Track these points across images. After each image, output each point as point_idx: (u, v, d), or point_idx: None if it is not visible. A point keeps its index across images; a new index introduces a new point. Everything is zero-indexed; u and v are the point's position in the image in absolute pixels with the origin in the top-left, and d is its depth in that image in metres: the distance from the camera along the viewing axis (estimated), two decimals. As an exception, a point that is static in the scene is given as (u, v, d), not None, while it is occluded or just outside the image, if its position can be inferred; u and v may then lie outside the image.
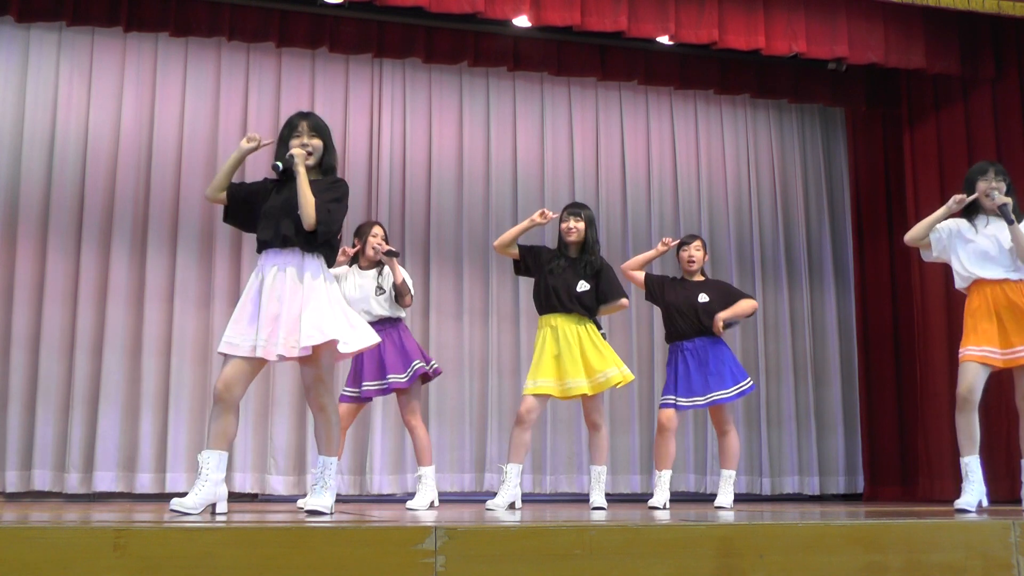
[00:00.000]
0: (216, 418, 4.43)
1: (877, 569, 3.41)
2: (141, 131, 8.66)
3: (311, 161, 4.61)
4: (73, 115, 8.53)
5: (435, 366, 6.47)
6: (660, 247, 6.89)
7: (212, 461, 4.42)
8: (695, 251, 6.84)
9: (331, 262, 4.69)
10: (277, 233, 4.52)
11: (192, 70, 8.85)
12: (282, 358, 4.46)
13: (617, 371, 6.15)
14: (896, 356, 9.80)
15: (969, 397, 5.41)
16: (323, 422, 4.61)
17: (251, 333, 4.43)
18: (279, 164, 4.56)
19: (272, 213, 4.57)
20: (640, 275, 6.93)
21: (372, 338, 4.64)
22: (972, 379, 5.43)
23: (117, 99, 8.64)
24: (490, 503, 5.93)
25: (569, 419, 9.08)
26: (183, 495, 4.39)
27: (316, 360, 4.50)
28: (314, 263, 4.56)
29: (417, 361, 6.32)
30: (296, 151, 4.55)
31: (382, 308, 6.40)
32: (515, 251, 6.37)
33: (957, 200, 5.61)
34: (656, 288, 6.93)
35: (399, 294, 6.37)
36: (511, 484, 5.98)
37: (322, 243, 4.56)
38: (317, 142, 4.65)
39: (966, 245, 5.59)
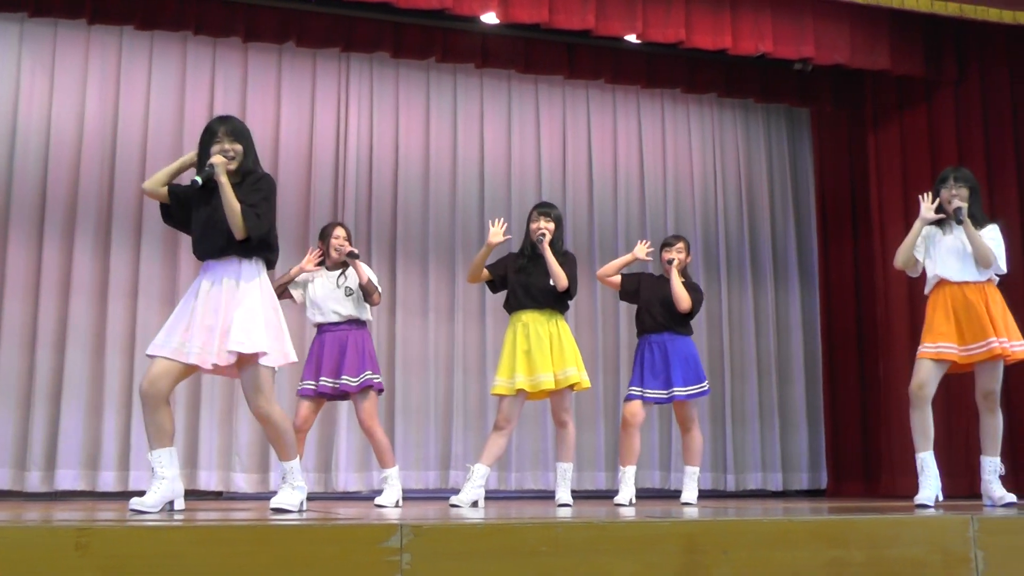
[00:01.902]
0: (149, 417, 4.41)
1: (840, 564, 3.43)
2: (105, 125, 8.59)
3: (232, 166, 4.53)
4: (35, 108, 8.44)
5: (380, 381, 6.44)
6: (640, 255, 6.85)
7: (164, 458, 4.40)
8: (677, 253, 6.84)
9: (272, 262, 4.64)
10: (212, 245, 4.49)
11: (157, 64, 8.79)
12: (216, 367, 4.44)
13: (576, 371, 6.17)
14: (860, 354, 9.88)
15: (920, 392, 5.50)
16: (271, 431, 4.60)
17: (182, 338, 4.41)
18: (198, 180, 4.48)
19: (203, 224, 4.53)
20: (617, 279, 6.93)
21: (292, 356, 4.59)
22: (924, 375, 5.51)
23: (80, 92, 8.56)
24: (454, 499, 5.93)
25: (535, 416, 9.09)
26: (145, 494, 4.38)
27: (253, 367, 4.46)
28: (251, 269, 4.51)
29: (368, 372, 6.31)
30: (216, 159, 4.48)
31: (350, 309, 6.39)
32: (486, 274, 6.39)
33: (927, 208, 5.68)
34: (632, 286, 6.94)
35: (366, 293, 6.38)
36: (476, 484, 5.98)
37: (259, 247, 4.50)
38: (238, 147, 4.56)
39: (936, 245, 5.67)
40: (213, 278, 4.48)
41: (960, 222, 5.57)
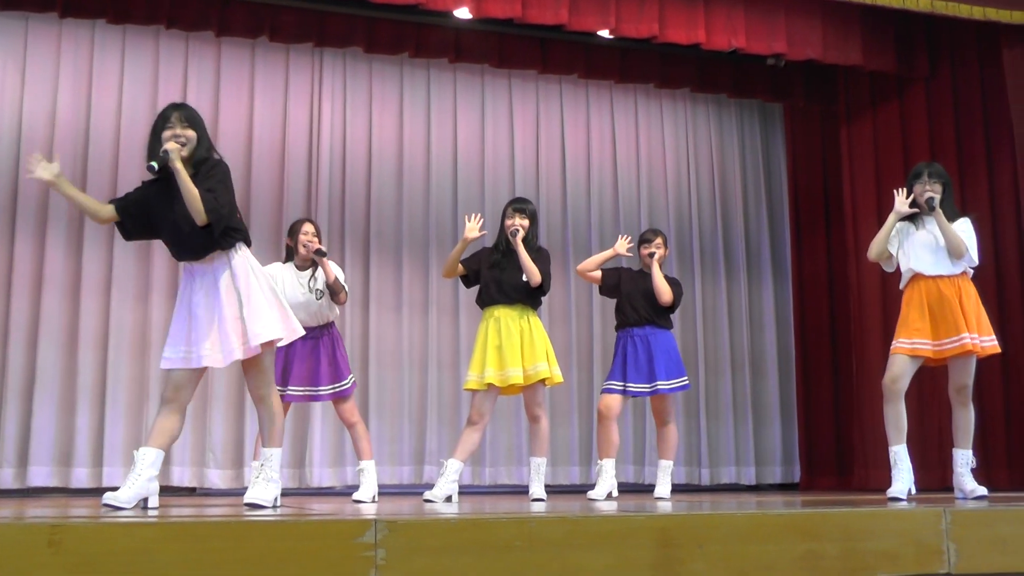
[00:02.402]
0: (163, 417, 4.40)
1: (814, 557, 3.45)
2: (78, 120, 8.54)
3: (184, 152, 4.46)
4: (6, 103, 8.38)
5: (354, 381, 6.44)
6: (621, 250, 6.84)
7: (148, 458, 4.36)
8: (656, 248, 6.85)
9: (249, 241, 4.62)
10: (192, 247, 4.45)
11: (130, 58, 8.74)
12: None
13: (547, 366, 6.18)
14: (833, 348, 9.94)
15: (893, 387, 5.54)
16: (265, 412, 4.61)
17: (187, 347, 4.40)
18: (154, 164, 4.41)
19: (172, 228, 4.47)
20: (597, 274, 6.92)
21: (300, 330, 4.64)
22: (898, 370, 5.55)
23: (52, 87, 8.51)
24: (428, 494, 5.93)
25: (509, 411, 9.09)
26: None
27: (258, 354, 4.49)
28: (239, 260, 4.49)
29: (344, 381, 6.29)
30: (170, 146, 4.41)
31: (321, 314, 6.33)
32: (460, 269, 6.38)
33: (901, 202, 5.71)
34: (613, 281, 6.93)
35: (333, 292, 6.29)
36: (450, 478, 5.98)
37: (224, 232, 4.44)
38: (191, 133, 4.49)
39: (909, 239, 5.71)
40: (204, 281, 4.45)
41: (932, 209, 5.60)
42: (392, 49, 9.02)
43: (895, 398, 5.55)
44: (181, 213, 4.41)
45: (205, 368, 4.47)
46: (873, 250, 5.81)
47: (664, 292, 6.70)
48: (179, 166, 4.38)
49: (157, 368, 4.49)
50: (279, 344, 4.58)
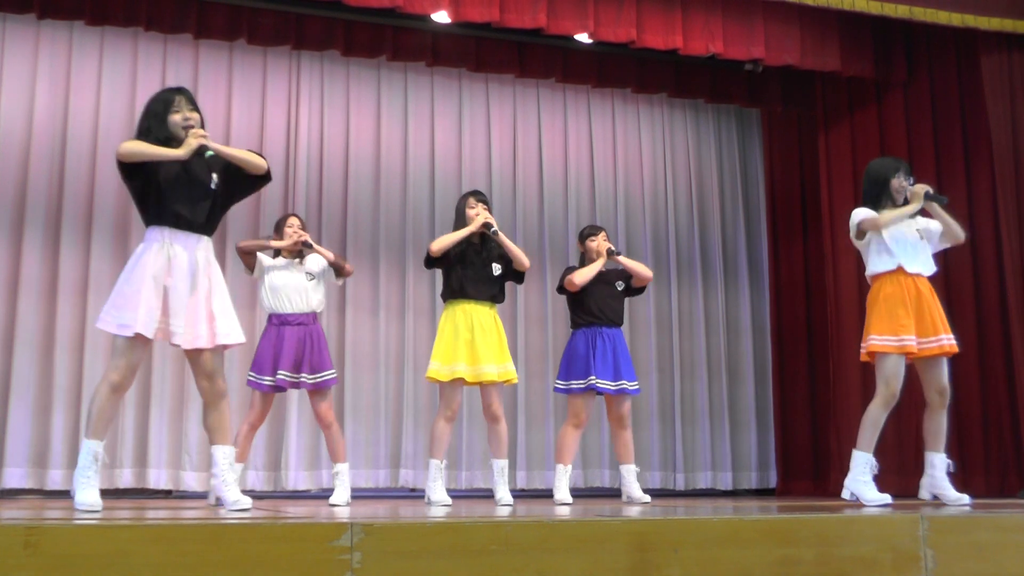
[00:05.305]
0: (111, 407, 4.34)
1: (790, 562, 3.46)
2: (55, 121, 8.49)
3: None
4: (-17, 104, 8.34)
5: (335, 375, 6.53)
6: (603, 251, 6.85)
7: (101, 453, 4.37)
8: (603, 241, 6.88)
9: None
10: (198, 215, 4.43)
11: (108, 60, 8.70)
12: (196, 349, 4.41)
13: (511, 367, 6.17)
14: (809, 354, 9.95)
15: (898, 394, 5.51)
16: (226, 407, 4.56)
17: (162, 318, 4.30)
18: (209, 151, 4.43)
19: (187, 188, 4.42)
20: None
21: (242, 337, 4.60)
22: (901, 370, 5.51)
23: (30, 88, 8.46)
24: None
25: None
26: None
27: (221, 349, 4.49)
28: (211, 249, 4.52)
29: (328, 371, 6.40)
30: (200, 140, 4.40)
31: (312, 297, 6.47)
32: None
33: (920, 186, 5.68)
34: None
35: (339, 269, 6.52)
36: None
37: (214, 225, 4.53)
38: (196, 116, 4.52)
39: (898, 229, 5.65)
40: (185, 254, 4.39)
41: (930, 197, 5.60)
42: (370, 52, 9.00)
43: (893, 403, 5.53)
44: (196, 182, 4.45)
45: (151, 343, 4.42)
46: (884, 219, 5.62)
47: (644, 271, 6.90)
48: (216, 146, 4.47)
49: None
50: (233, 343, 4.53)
